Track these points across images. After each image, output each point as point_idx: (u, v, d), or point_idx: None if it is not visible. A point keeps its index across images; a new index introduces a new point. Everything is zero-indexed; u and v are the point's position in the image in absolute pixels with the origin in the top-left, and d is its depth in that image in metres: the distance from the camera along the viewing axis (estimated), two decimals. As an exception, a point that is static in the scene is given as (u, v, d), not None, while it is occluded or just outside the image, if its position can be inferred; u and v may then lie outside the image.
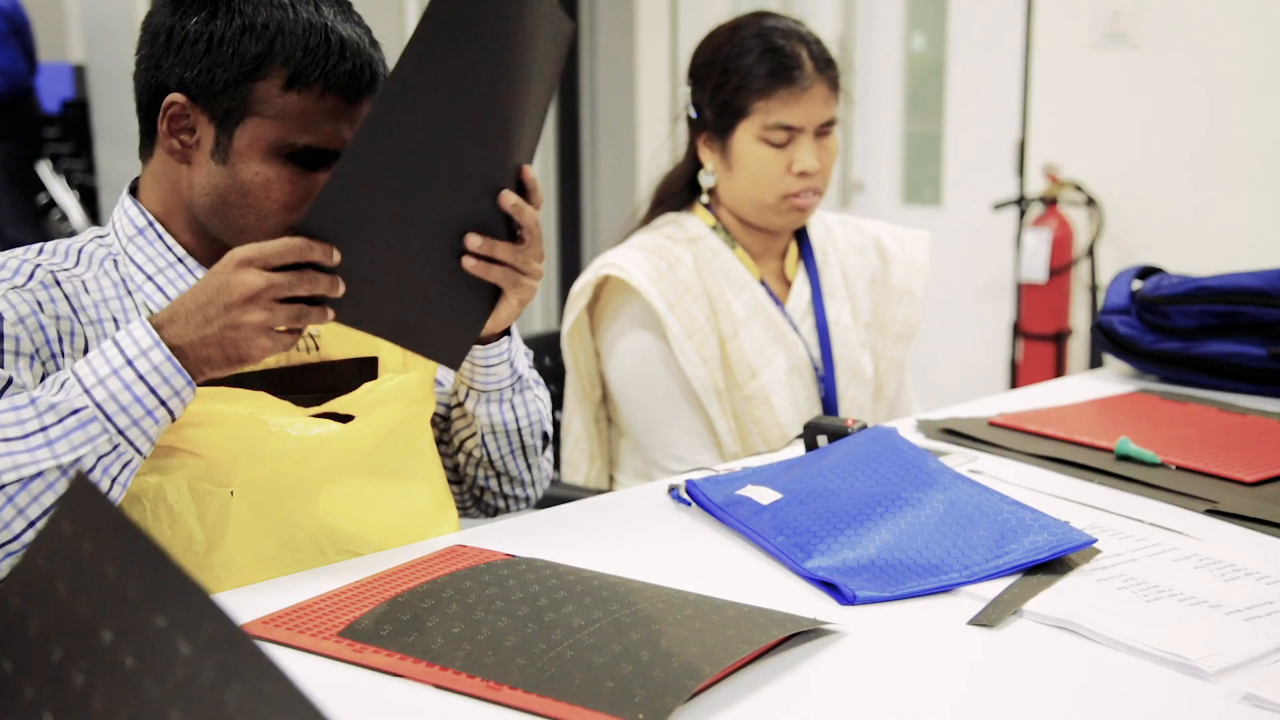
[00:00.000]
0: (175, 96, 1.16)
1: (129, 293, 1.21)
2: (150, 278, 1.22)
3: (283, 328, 1.08)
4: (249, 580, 1.13)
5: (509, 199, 1.17)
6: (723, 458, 1.78)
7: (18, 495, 1.02)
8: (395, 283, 1.13)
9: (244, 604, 1.04)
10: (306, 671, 0.92)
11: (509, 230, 1.19)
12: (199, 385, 1.09)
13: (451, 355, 1.21)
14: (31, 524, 1.02)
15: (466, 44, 1.07)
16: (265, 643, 0.97)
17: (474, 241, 1.16)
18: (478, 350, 1.30)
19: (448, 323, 1.20)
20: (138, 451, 1.07)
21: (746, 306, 1.79)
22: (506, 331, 1.32)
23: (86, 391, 1.04)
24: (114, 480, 1.07)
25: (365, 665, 0.92)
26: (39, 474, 1.02)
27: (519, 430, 1.38)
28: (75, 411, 1.03)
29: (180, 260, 1.23)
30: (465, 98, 1.10)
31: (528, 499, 1.45)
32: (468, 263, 1.16)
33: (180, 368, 1.06)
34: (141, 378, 1.05)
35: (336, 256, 1.07)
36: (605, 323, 1.81)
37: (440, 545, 1.18)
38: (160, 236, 1.23)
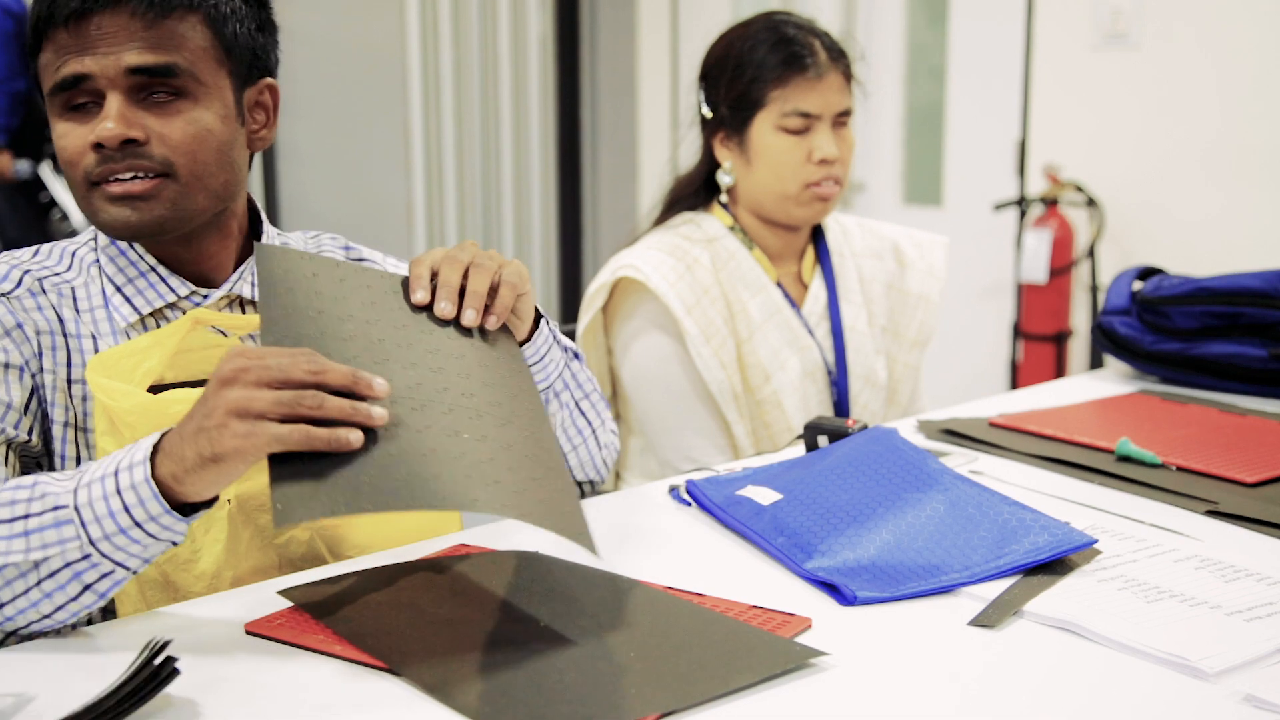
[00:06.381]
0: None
1: (105, 303, 1.18)
2: (119, 289, 1.18)
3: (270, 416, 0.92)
4: None
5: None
6: (736, 460, 1.77)
7: None
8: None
9: (245, 604, 1.04)
10: (307, 670, 0.92)
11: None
12: (206, 500, 0.97)
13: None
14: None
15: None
16: (267, 639, 0.97)
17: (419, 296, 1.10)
18: (527, 351, 1.23)
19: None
20: (119, 565, 0.95)
21: (763, 309, 1.79)
22: (536, 323, 1.24)
23: (75, 489, 0.95)
24: (87, 587, 0.96)
25: (366, 664, 0.93)
26: (5, 565, 0.94)
27: (586, 396, 1.36)
28: (57, 508, 0.94)
29: (153, 269, 1.19)
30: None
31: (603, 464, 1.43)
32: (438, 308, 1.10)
33: (156, 493, 0.93)
34: (119, 492, 0.93)
35: (380, 389, 0.96)
36: (620, 322, 1.80)
37: (443, 545, 1.18)
38: (132, 244, 1.19)
